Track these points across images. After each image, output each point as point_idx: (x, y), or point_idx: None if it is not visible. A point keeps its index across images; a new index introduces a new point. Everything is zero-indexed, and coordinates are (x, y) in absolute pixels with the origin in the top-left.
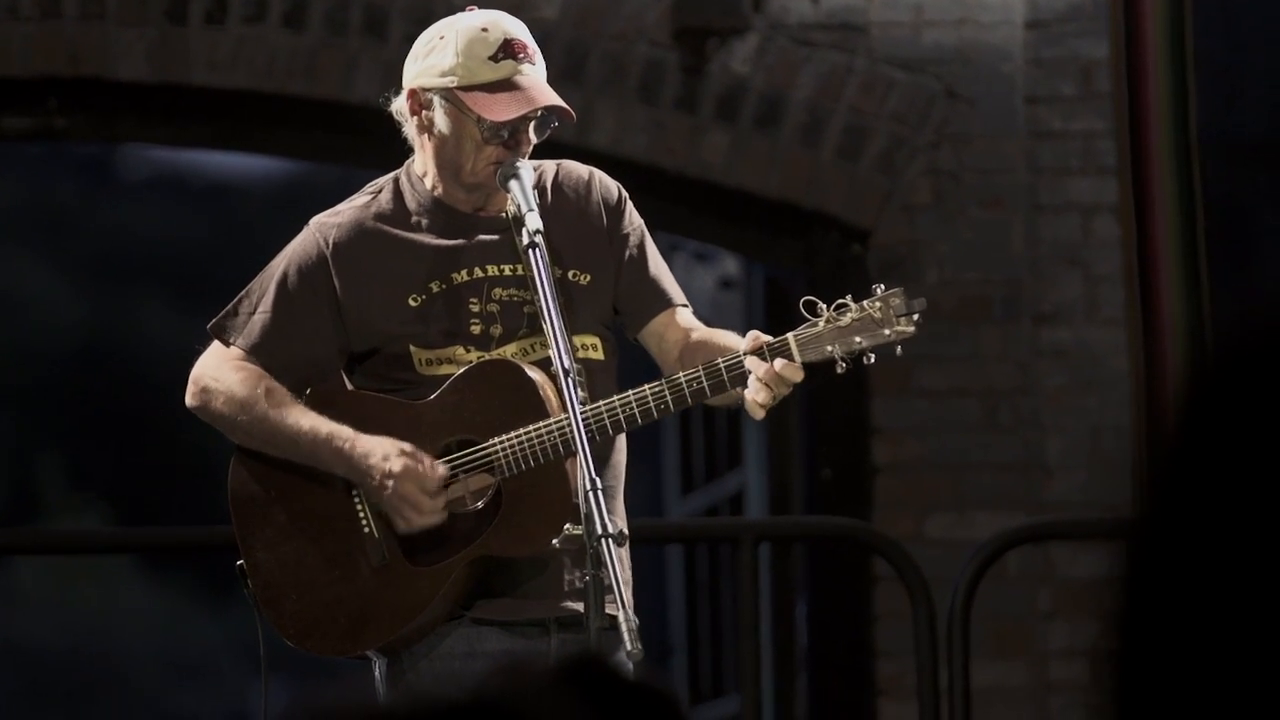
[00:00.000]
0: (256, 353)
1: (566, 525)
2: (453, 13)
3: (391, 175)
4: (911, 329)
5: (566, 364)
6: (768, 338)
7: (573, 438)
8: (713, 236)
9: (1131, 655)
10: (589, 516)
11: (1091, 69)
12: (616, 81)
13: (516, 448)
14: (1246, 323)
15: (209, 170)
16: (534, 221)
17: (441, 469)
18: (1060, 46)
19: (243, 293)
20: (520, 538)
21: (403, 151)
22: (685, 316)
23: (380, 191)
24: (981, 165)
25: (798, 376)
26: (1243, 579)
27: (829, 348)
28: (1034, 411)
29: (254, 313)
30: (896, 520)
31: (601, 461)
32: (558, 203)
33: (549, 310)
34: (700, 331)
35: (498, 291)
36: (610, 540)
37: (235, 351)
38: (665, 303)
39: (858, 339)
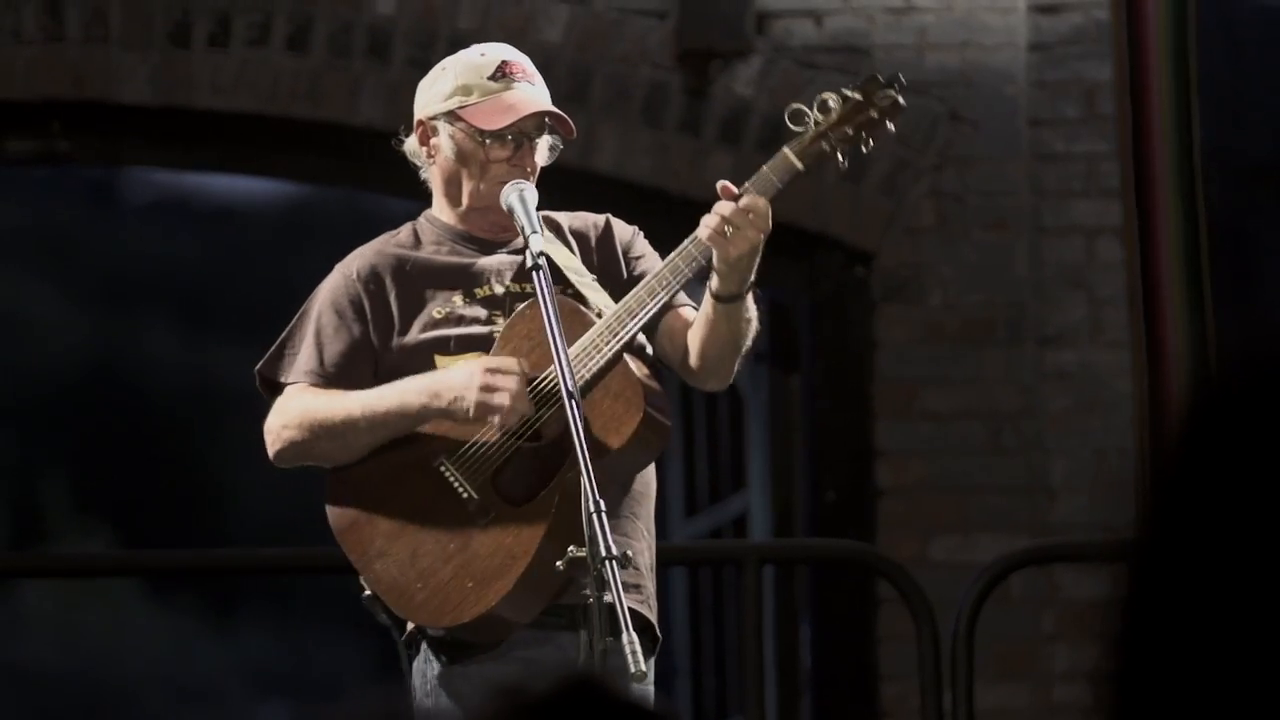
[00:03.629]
0: (308, 378)
1: (571, 547)
2: (455, 34)
3: (410, 222)
4: (897, 97)
5: (571, 387)
6: (731, 185)
7: (578, 455)
8: None
9: (1130, 676)
10: (593, 539)
11: (1095, 91)
12: (620, 104)
13: (575, 366)
14: (1250, 345)
15: (213, 193)
16: (537, 244)
17: (515, 361)
18: (1063, 69)
19: (282, 336)
20: (610, 435)
21: (406, 174)
22: (688, 312)
23: (399, 232)
24: (985, 187)
25: (764, 208)
26: (1242, 600)
27: (825, 146)
28: (1038, 434)
29: (298, 352)
30: (900, 543)
31: (623, 490)
32: (576, 238)
33: (553, 333)
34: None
35: (519, 305)
36: (614, 563)
37: (295, 391)
38: (669, 306)
39: (848, 129)
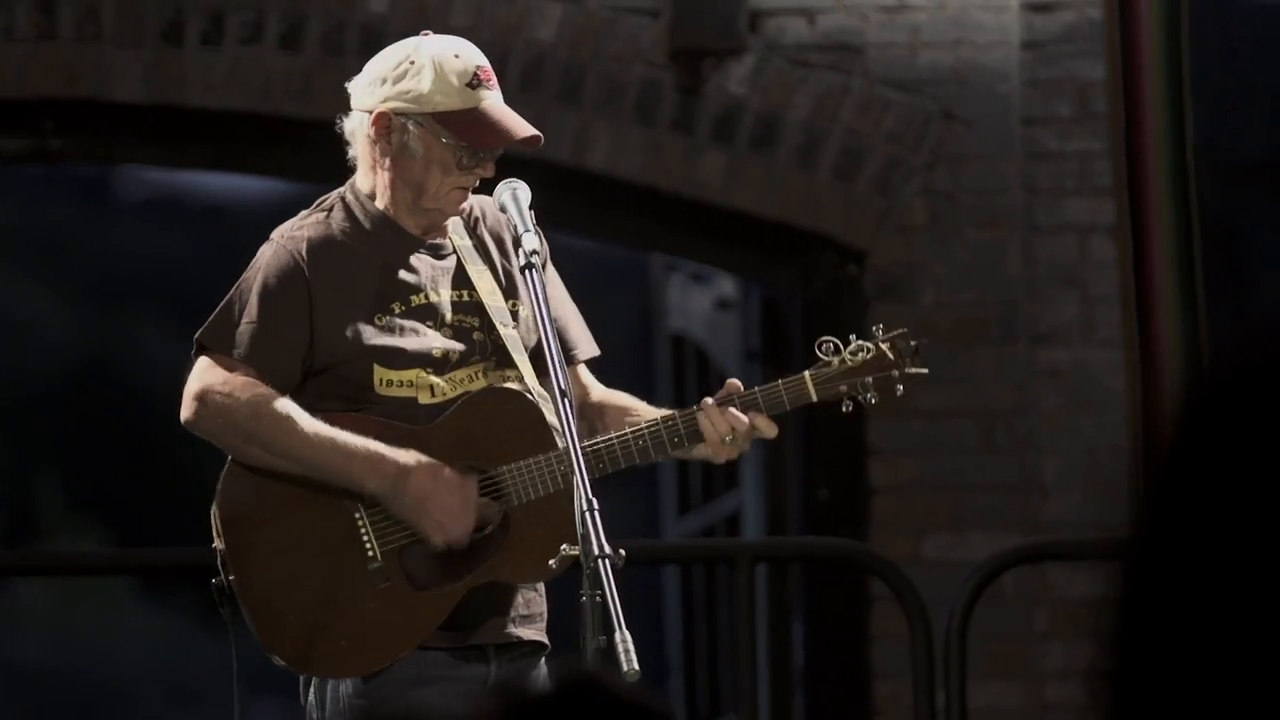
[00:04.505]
0: (251, 361)
1: (564, 545)
2: (448, 32)
3: (337, 194)
4: (922, 370)
5: (563, 384)
6: (740, 385)
7: (572, 460)
8: (709, 257)
9: (1126, 675)
10: (585, 537)
11: (1088, 90)
12: (613, 102)
13: (527, 475)
14: (1243, 343)
15: (205, 191)
16: (530, 242)
17: (474, 485)
18: (1056, 67)
19: (221, 305)
20: (531, 563)
21: None
22: (584, 373)
23: (332, 209)
24: (978, 186)
25: (772, 432)
26: (1237, 598)
27: (843, 387)
28: (1030, 432)
29: (239, 323)
30: (893, 541)
31: None
32: (491, 234)
33: (546, 330)
34: (599, 392)
35: (449, 316)
36: (607, 560)
37: (232, 364)
38: (570, 358)
39: (869, 379)
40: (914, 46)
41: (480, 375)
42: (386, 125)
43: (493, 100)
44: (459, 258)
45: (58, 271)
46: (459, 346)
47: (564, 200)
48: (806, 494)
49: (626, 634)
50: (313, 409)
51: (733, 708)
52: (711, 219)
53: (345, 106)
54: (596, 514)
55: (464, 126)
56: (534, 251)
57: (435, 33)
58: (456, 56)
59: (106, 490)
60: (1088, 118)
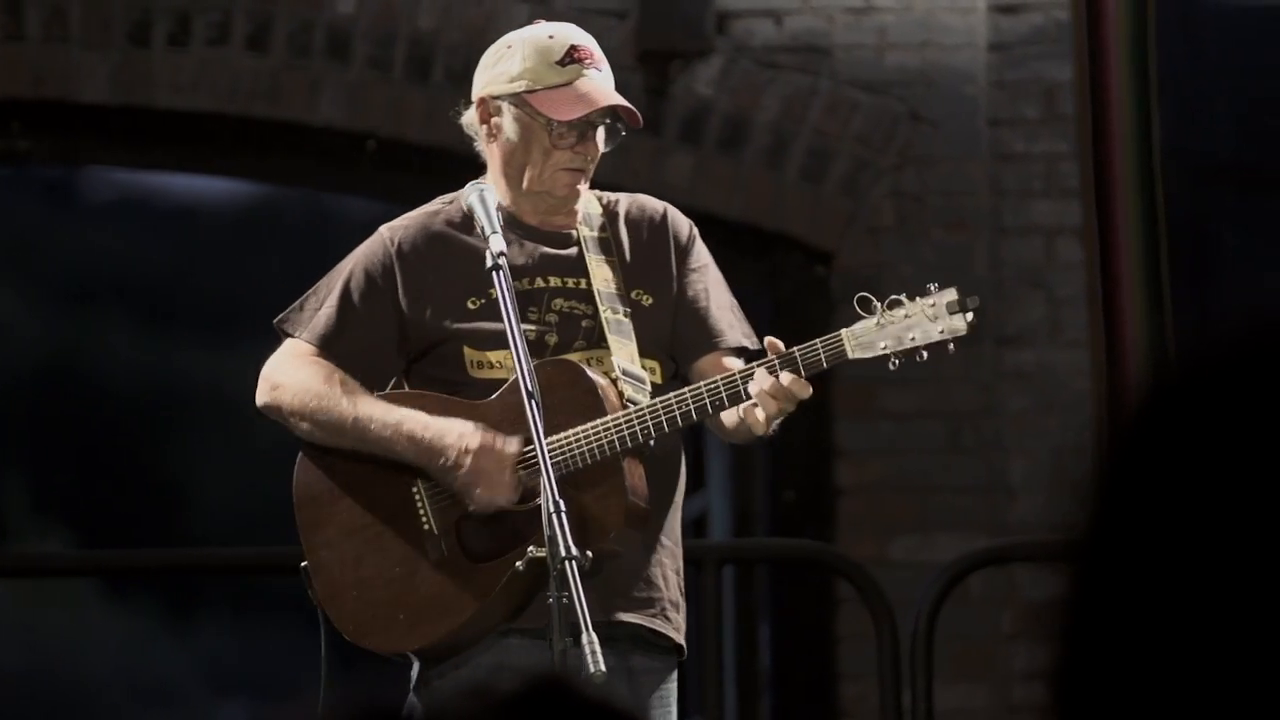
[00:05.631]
0: (321, 344)
1: (531, 548)
2: (414, 33)
3: (462, 192)
4: (965, 326)
5: (531, 387)
6: (780, 344)
7: (540, 460)
8: None
9: (1073, 674)
10: (553, 539)
11: (1054, 91)
12: None
13: (574, 445)
14: (1207, 346)
15: (172, 193)
16: (497, 244)
17: (514, 446)
18: (1023, 69)
19: (310, 291)
20: (583, 531)
21: (365, 173)
22: (732, 362)
23: (451, 202)
24: (945, 187)
25: (805, 392)
26: (1190, 598)
27: (882, 344)
28: (997, 434)
29: (319, 308)
30: (860, 542)
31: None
32: (630, 229)
33: (514, 332)
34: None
35: (558, 302)
36: (574, 563)
37: (303, 346)
38: (712, 345)
39: (911, 335)
40: (881, 48)
41: (591, 362)
42: (486, 111)
43: (589, 77)
44: (581, 248)
45: (24, 272)
46: (562, 332)
47: None
48: (773, 495)
49: (593, 635)
50: (421, 390)
51: (699, 709)
52: None
53: (311, 107)
54: (564, 516)
55: (550, 102)
56: (500, 253)
57: (404, 33)
58: (551, 37)
59: (72, 492)
60: (1055, 119)
